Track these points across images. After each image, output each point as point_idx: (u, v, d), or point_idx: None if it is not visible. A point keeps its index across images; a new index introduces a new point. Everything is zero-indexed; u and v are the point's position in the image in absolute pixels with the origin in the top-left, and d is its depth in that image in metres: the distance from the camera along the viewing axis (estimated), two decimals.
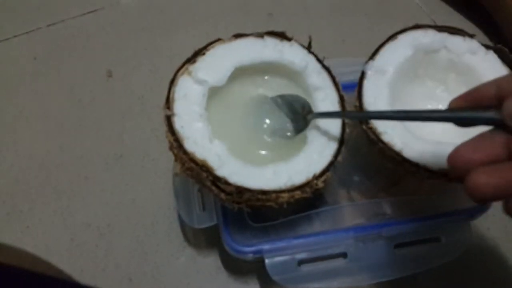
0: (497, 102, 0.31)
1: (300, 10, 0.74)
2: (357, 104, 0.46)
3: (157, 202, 0.57)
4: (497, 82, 0.32)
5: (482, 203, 0.31)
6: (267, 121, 0.47)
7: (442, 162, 0.43)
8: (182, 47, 0.46)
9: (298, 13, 0.74)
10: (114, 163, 0.59)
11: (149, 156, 0.60)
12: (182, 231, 0.55)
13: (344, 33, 0.72)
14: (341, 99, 0.47)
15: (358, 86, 0.47)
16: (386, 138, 0.44)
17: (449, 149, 0.43)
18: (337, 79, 0.48)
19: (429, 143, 0.44)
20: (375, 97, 0.46)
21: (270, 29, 0.48)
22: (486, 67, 0.48)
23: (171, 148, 0.42)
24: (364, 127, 0.45)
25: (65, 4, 0.73)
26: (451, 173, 0.32)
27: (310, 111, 0.45)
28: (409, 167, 0.43)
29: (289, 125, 0.46)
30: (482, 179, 0.29)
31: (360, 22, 0.73)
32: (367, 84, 0.47)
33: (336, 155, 0.44)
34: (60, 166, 0.60)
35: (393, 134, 0.44)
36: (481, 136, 0.32)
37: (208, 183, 0.41)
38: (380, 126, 0.45)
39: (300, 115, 0.45)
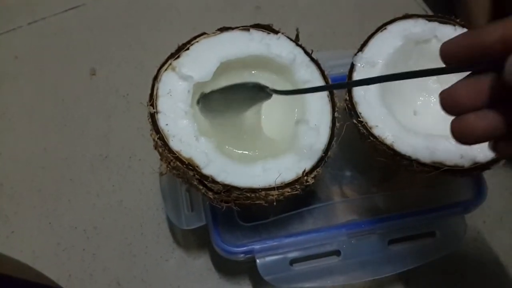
0: (500, 48, 0.28)
1: (288, 2, 0.73)
2: (347, 97, 0.45)
3: (145, 203, 0.55)
4: (505, 26, 0.28)
5: (467, 144, 0.30)
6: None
7: (435, 154, 0.42)
8: (168, 42, 0.44)
9: (286, 5, 0.72)
10: (99, 164, 0.58)
11: (136, 156, 0.58)
12: (171, 232, 0.54)
13: (334, 25, 0.71)
14: (331, 93, 0.45)
15: (347, 79, 0.46)
16: (377, 131, 0.43)
17: (441, 142, 0.43)
18: (326, 72, 0.46)
19: (421, 136, 0.43)
20: (365, 90, 0.45)
21: (258, 22, 0.47)
22: None
23: (156, 147, 0.41)
24: (354, 121, 0.44)
25: (46, 1, 0.71)
26: (443, 109, 0.31)
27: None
28: (401, 160, 0.42)
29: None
30: (473, 120, 0.29)
31: (351, 13, 0.72)
32: (356, 77, 0.46)
33: (326, 151, 0.43)
34: (45, 169, 0.58)
35: (384, 127, 0.43)
36: (475, 79, 0.30)
37: (195, 182, 0.40)
38: (371, 120, 0.44)
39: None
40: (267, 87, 0.41)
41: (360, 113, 0.44)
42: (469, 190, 0.49)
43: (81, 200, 0.56)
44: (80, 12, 0.70)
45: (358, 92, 0.45)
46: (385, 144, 0.43)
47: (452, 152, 0.42)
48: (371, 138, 0.43)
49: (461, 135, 0.30)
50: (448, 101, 0.31)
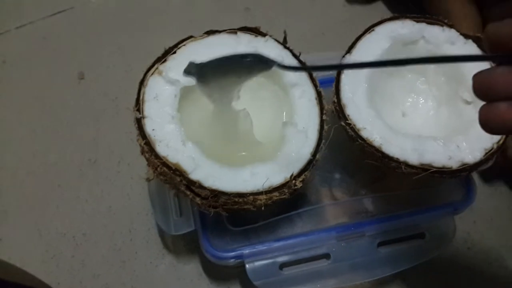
0: None
1: (278, 3, 0.72)
2: (335, 100, 0.45)
3: (134, 208, 0.55)
4: None
5: (492, 133, 0.29)
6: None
7: (423, 156, 0.42)
8: (157, 45, 0.44)
9: (276, 6, 0.72)
10: (88, 169, 0.57)
11: (125, 160, 0.58)
12: (160, 237, 0.53)
13: (324, 26, 0.70)
14: (319, 95, 0.45)
15: (335, 81, 0.46)
16: (365, 134, 0.43)
17: (429, 143, 0.43)
18: (314, 74, 0.46)
19: (409, 137, 0.43)
20: (353, 92, 0.45)
21: (248, 23, 0.46)
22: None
23: (142, 152, 0.40)
24: (342, 123, 0.44)
25: (34, 5, 0.70)
26: (475, 91, 0.29)
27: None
28: (389, 162, 0.42)
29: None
30: (506, 110, 0.28)
31: (340, 14, 0.72)
32: (344, 79, 0.46)
33: (314, 154, 0.42)
34: (33, 174, 0.57)
35: (372, 129, 0.43)
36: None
37: (182, 188, 0.39)
38: (359, 122, 0.44)
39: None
40: (269, 60, 0.38)
41: (348, 116, 0.44)
42: (459, 191, 0.49)
43: (70, 206, 0.55)
44: (68, 15, 0.69)
45: (346, 95, 0.45)
46: (373, 146, 0.43)
47: (440, 153, 0.42)
48: (359, 141, 0.43)
49: (489, 123, 0.29)
50: (482, 85, 0.29)
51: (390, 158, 0.42)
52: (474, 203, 0.49)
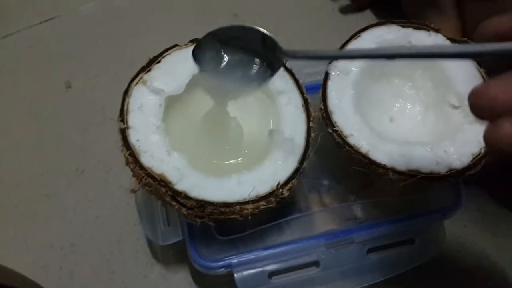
0: None
1: (266, 9, 0.72)
2: (322, 106, 0.45)
3: (122, 218, 0.54)
4: None
5: (498, 156, 0.27)
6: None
7: (410, 162, 0.42)
8: (145, 53, 0.44)
9: (264, 12, 0.72)
10: (76, 179, 0.57)
11: (112, 169, 0.57)
12: (149, 247, 0.53)
13: (312, 31, 0.70)
14: (305, 102, 0.45)
15: (322, 87, 0.46)
16: (352, 140, 0.43)
17: (416, 149, 0.42)
18: (301, 81, 0.46)
19: (396, 143, 0.43)
20: (340, 99, 0.45)
21: None
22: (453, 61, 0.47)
23: (127, 163, 0.40)
24: (329, 130, 0.44)
25: (21, 14, 0.70)
26: (473, 111, 0.28)
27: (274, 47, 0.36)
28: (377, 169, 0.42)
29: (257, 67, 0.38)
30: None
31: (329, 19, 0.72)
32: (331, 86, 0.45)
33: (301, 161, 0.42)
34: (20, 185, 0.57)
35: (359, 136, 0.43)
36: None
37: (168, 198, 0.39)
38: (346, 129, 0.43)
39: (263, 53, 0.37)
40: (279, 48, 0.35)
41: (335, 122, 0.44)
42: (448, 196, 0.49)
43: (58, 217, 0.55)
44: (55, 24, 0.69)
45: (333, 101, 0.45)
46: (361, 153, 0.42)
47: (427, 159, 0.42)
48: (347, 147, 0.43)
49: (497, 145, 0.26)
50: (480, 105, 0.27)
51: (377, 165, 0.42)
52: (463, 207, 0.48)
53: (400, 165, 0.42)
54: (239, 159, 0.45)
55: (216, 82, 0.38)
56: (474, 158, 0.42)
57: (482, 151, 0.42)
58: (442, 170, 0.42)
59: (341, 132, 0.43)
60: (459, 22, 0.56)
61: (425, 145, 0.43)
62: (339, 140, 0.43)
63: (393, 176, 0.42)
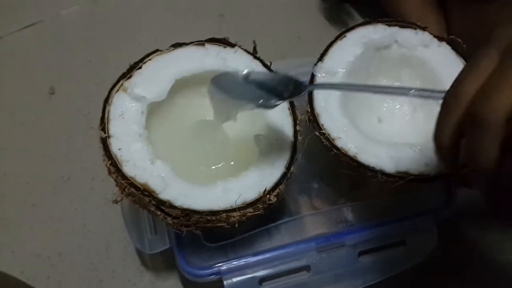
0: None
1: (252, 9, 0.71)
2: (308, 109, 0.44)
3: (109, 225, 0.53)
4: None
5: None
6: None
7: (399, 164, 0.41)
8: (130, 56, 0.43)
9: (250, 12, 0.71)
10: (61, 186, 0.56)
11: (99, 176, 0.56)
12: (138, 255, 0.52)
13: (299, 30, 0.69)
14: (292, 105, 0.44)
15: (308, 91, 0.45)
16: (339, 143, 0.42)
17: (405, 150, 0.42)
18: None
19: (384, 145, 0.42)
20: (326, 101, 0.44)
21: (222, 30, 0.45)
22: (440, 59, 0.47)
23: (109, 173, 0.39)
24: (317, 133, 0.43)
25: (2, 19, 0.69)
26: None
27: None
28: (365, 172, 0.41)
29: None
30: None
31: (316, 18, 0.71)
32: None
33: (289, 166, 0.41)
34: (5, 195, 0.56)
35: (347, 139, 0.42)
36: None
37: (152, 208, 0.38)
38: (333, 131, 0.43)
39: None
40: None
41: (322, 125, 0.43)
42: (439, 196, 0.48)
43: (44, 226, 0.54)
44: (37, 29, 0.68)
45: (319, 104, 0.44)
46: (348, 156, 0.42)
47: (416, 160, 0.41)
48: (334, 150, 0.42)
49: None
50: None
51: (365, 167, 0.41)
52: (455, 207, 0.48)
53: (389, 167, 0.41)
54: (225, 165, 0.44)
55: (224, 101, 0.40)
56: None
57: None
58: (432, 171, 0.41)
59: (329, 135, 0.43)
60: (441, 19, 0.56)
61: (413, 146, 0.42)
62: (327, 143, 0.42)
63: (382, 178, 0.41)
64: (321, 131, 0.43)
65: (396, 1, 0.58)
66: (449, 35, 0.47)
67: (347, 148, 0.42)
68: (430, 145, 0.42)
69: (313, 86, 0.44)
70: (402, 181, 0.41)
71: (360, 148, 0.42)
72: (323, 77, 0.45)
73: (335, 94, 0.44)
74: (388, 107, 0.49)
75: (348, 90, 0.45)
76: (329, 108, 0.44)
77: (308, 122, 0.45)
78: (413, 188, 0.46)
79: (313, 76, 0.45)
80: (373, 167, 0.41)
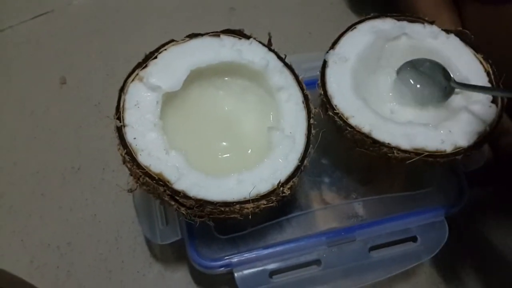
0: None
1: (263, 3, 0.71)
2: (321, 91, 0.44)
3: (119, 216, 0.53)
4: None
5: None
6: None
7: (414, 141, 0.41)
8: (140, 48, 0.42)
9: (261, 6, 0.71)
10: (71, 176, 0.56)
11: (109, 167, 0.56)
12: (148, 245, 0.52)
13: (310, 25, 0.69)
14: (306, 99, 0.44)
15: (320, 75, 0.45)
16: (353, 121, 0.42)
17: (420, 129, 0.42)
18: (300, 76, 0.45)
19: (398, 123, 0.42)
20: (338, 84, 0.44)
21: (233, 24, 0.45)
22: (450, 49, 0.47)
23: (124, 162, 0.39)
24: (330, 113, 0.43)
25: (13, 9, 0.68)
26: None
27: (449, 76, 0.45)
28: (381, 148, 0.41)
29: (434, 90, 0.46)
30: None
31: (327, 13, 0.71)
32: (329, 72, 0.45)
33: (302, 159, 0.41)
34: (15, 184, 0.56)
35: (361, 117, 0.42)
36: None
37: (166, 198, 0.38)
38: (347, 111, 0.43)
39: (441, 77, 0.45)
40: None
41: (335, 106, 0.43)
42: (450, 193, 0.48)
43: (53, 216, 0.54)
44: (48, 19, 0.68)
45: (332, 86, 0.44)
46: (363, 133, 0.42)
47: (432, 137, 0.42)
48: (348, 129, 0.42)
49: None
50: None
51: (381, 144, 0.41)
52: (466, 204, 0.48)
53: (404, 144, 0.41)
54: (239, 157, 0.44)
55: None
56: (479, 136, 0.42)
57: (488, 128, 0.42)
58: (448, 148, 0.41)
59: (342, 114, 0.43)
60: (455, 16, 0.56)
61: (428, 125, 0.42)
62: (341, 122, 0.42)
63: (398, 154, 0.41)
64: (335, 111, 0.43)
65: None
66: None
67: (361, 126, 0.42)
68: (445, 124, 0.42)
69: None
70: (419, 157, 0.40)
71: (374, 126, 0.42)
72: (335, 62, 0.45)
73: (347, 77, 0.45)
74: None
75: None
76: (341, 90, 0.44)
77: (321, 107, 0.45)
78: (425, 183, 0.47)
79: (325, 62, 0.46)
80: (388, 143, 0.41)
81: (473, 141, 0.42)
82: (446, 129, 0.42)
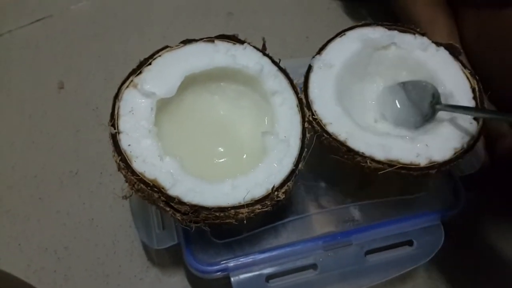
0: None
1: (261, 7, 0.71)
2: (303, 96, 0.44)
3: (117, 220, 0.54)
4: None
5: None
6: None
7: (390, 152, 0.41)
8: (138, 52, 0.43)
9: (259, 10, 0.71)
10: (69, 181, 0.56)
11: (107, 171, 0.56)
12: (145, 250, 0.52)
13: (308, 30, 0.69)
14: (300, 103, 0.44)
15: (304, 79, 0.45)
16: (331, 129, 0.43)
17: (397, 141, 0.42)
18: (295, 81, 0.45)
19: (375, 134, 0.43)
20: (320, 89, 0.45)
21: (230, 28, 0.46)
22: (438, 62, 0.47)
23: (119, 169, 0.39)
24: (310, 118, 0.43)
25: (12, 14, 0.69)
26: None
27: (438, 102, 0.44)
28: (355, 157, 0.41)
29: (413, 115, 0.46)
30: None
31: (324, 18, 0.71)
32: (313, 77, 0.45)
33: (297, 163, 0.41)
34: (13, 188, 0.56)
35: (338, 125, 0.43)
36: None
37: (161, 204, 0.38)
38: (325, 117, 0.43)
39: (427, 104, 0.45)
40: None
41: (315, 111, 0.44)
42: (446, 197, 0.48)
43: (51, 220, 0.54)
44: (46, 23, 0.68)
45: (313, 91, 0.45)
46: (339, 141, 0.42)
47: (407, 150, 0.42)
48: (325, 135, 0.42)
49: None
50: None
51: (355, 153, 0.41)
52: (462, 207, 0.48)
53: (379, 154, 0.41)
54: (233, 161, 0.44)
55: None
56: (456, 153, 0.42)
57: (465, 146, 0.42)
58: (423, 162, 0.41)
59: (320, 120, 0.43)
60: (451, 21, 0.56)
61: (405, 137, 0.43)
62: (318, 128, 0.43)
63: (371, 164, 0.41)
64: (313, 116, 0.43)
65: (404, 2, 0.58)
66: (460, 37, 0.47)
67: (338, 134, 0.42)
68: (422, 137, 0.42)
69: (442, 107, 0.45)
70: (392, 169, 0.41)
71: (351, 134, 0.42)
72: (320, 68, 0.46)
73: (330, 84, 0.45)
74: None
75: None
76: (323, 96, 0.44)
77: (299, 106, 0.45)
78: (421, 187, 0.47)
79: (310, 67, 0.46)
80: (362, 153, 0.41)
81: (449, 157, 0.42)
82: (423, 142, 0.42)
